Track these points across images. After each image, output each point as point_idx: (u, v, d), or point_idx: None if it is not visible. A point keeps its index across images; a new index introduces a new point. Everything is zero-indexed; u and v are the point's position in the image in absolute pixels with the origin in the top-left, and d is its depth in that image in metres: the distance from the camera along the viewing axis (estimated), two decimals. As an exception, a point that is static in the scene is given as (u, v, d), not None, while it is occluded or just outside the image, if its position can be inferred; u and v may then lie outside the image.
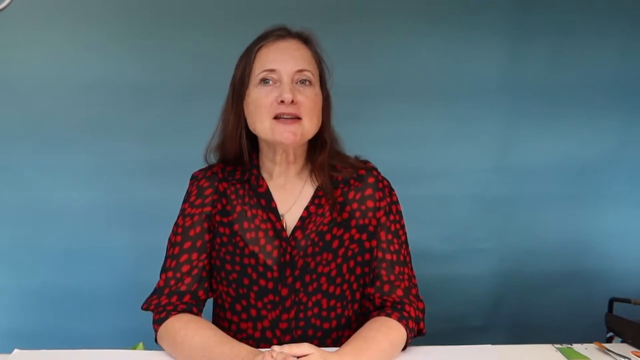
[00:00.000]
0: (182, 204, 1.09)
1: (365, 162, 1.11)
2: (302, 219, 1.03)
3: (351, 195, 1.06)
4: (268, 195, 1.05)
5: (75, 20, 1.62)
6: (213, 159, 1.10)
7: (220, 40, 1.62)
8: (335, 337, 1.04)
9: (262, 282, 1.01)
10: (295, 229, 1.03)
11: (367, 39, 1.70)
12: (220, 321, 1.09)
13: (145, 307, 1.04)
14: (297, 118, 0.97)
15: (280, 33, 1.01)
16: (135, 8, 1.63)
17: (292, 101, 0.96)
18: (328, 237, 1.02)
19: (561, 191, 1.86)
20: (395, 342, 0.96)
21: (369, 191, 1.06)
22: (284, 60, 0.98)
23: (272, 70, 0.98)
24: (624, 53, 1.80)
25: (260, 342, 1.01)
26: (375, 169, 1.10)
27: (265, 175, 1.07)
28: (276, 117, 0.97)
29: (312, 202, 1.05)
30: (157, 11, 1.64)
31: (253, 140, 1.07)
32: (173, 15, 1.64)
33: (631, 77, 1.81)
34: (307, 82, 0.99)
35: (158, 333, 1.00)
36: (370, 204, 1.05)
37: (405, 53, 1.74)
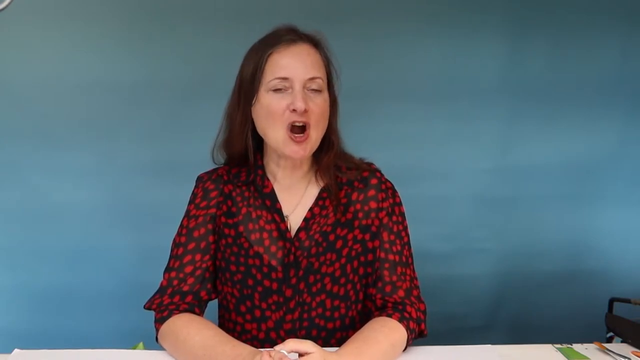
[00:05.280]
0: (188, 205, 1.09)
1: (370, 164, 1.11)
2: (306, 219, 1.04)
3: (354, 196, 1.06)
4: (273, 196, 1.05)
5: (75, 20, 1.62)
6: (219, 157, 1.10)
7: (220, 40, 1.62)
8: (340, 337, 1.04)
9: (266, 282, 1.01)
10: (299, 229, 1.03)
11: (366, 39, 1.70)
12: (225, 322, 1.09)
13: (148, 306, 1.04)
14: (307, 130, 0.97)
15: (292, 37, 1.00)
16: (135, 8, 1.63)
17: (305, 109, 0.96)
18: (332, 237, 1.03)
19: (561, 191, 1.86)
20: (396, 343, 0.96)
21: (372, 192, 1.07)
22: (296, 68, 0.97)
23: (284, 79, 0.97)
24: (624, 53, 1.80)
25: (264, 342, 1.02)
26: (379, 171, 1.11)
27: (270, 176, 1.07)
28: (290, 129, 0.97)
29: (316, 203, 1.05)
30: (157, 11, 1.64)
31: (258, 140, 1.07)
32: (173, 15, 1.64)
33: (631, 76, 1.81)
34: (318, 90, 0.99)
35: (160, 332, 1.01)
36: (373, 204, 1.06)
37: (405, 53, 1.74)
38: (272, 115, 0.98)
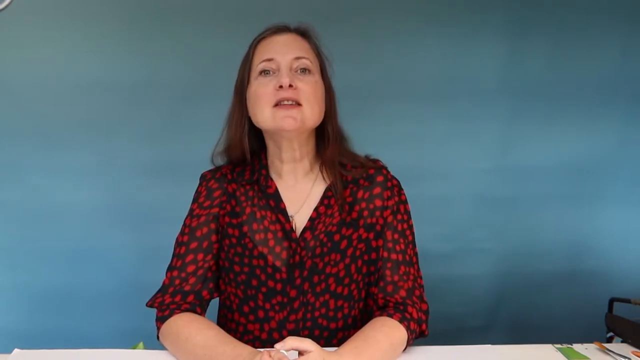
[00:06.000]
0: (191, 204, 1.09)
1: (375, 161, 1.11)
2: (311, 219, 1.03)
3: (360, 194, 1.06)
4: (277, 196, 1.04)
5: (75, 20, 1.62)
6: (219, 161, 1.10)
7: (220, 40, 1.62)
8: (342, 337, 1.03)
9: (270, 283, 1.01)
10: (305, 229, 1.02)
11: (367, 39, 1.70)
12: (227, 322, 1.09)
13: (150, 304, 1.04)
14: (298, 104, 0.97)
15: (279, 28, 1.03)
16: (135, 8, 1.63)
17: (290, 85, 0.96)
18: (337, 237, 1.02)
19: (561, 191, 1.86)
20: (395, 343, 0.96)
21: (377, 190, 1.06)
22: (281, 50, 0.99)
23: (270, 60, 0.98)
24: (624, 53, 1.80)
25: (266, 343, 1.01)
26: (385, 168, 1.10)
27: (274, 175, 1.07)
28: (276, 105, 0.96)
29: (321, 202, 1.04)
30: (157, 11, 1.64)
31: (261, 140, 1.07)
32: (173, 15, 1.64)
33: (631, 76, 1.81)
34: (307, 71, 1.00)
35: (161, 331, 1.01)
36: (378, 202, 1.05)
37: (405, 53, 1.74)
38: (259, 98, 0.98)
